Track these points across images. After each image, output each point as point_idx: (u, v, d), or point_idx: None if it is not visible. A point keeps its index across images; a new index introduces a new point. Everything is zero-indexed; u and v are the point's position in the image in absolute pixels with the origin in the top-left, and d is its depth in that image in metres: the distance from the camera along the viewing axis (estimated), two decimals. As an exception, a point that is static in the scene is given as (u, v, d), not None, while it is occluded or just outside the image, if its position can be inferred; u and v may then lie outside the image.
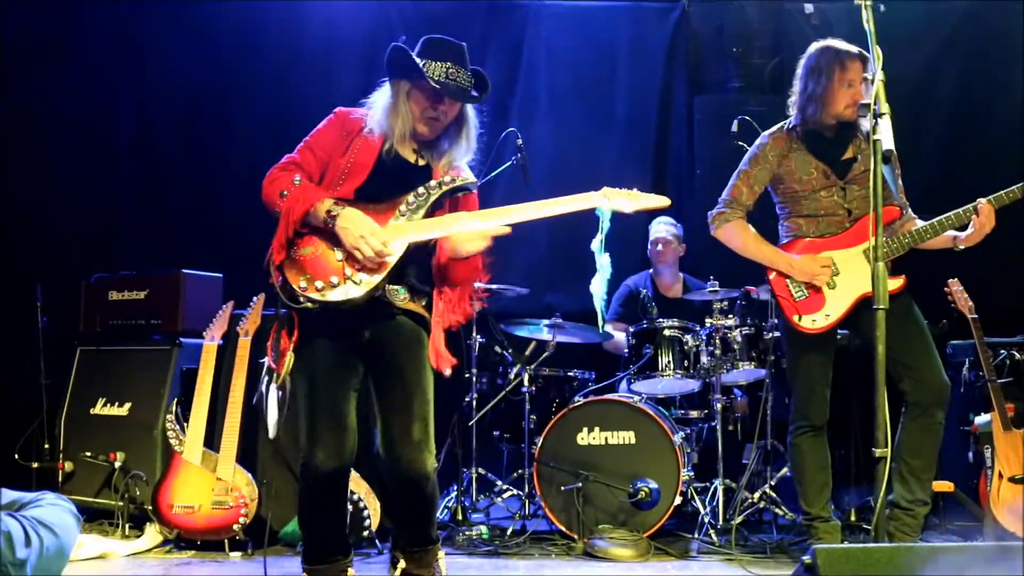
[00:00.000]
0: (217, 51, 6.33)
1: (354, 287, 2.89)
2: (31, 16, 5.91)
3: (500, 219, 3.02)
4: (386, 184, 3.05)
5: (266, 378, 3.04)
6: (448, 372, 3.14)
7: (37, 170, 6.02)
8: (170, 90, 6.39)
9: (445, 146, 3.13)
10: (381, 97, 3.12)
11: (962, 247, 3.79)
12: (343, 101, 3.26)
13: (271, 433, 3.01)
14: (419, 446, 3.08)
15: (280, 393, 3.00)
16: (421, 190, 3.04)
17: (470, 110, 3.15)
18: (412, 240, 2.98)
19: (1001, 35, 6.05)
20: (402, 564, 3.20)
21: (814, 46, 3.90)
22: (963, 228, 3.76)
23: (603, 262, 3.04)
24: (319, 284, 2.89)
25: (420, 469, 3.09)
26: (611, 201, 3.07)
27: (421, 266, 3.11)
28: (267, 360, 3.04)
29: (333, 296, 2.88)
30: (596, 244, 3.04)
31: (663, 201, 3.16)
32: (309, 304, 2.89)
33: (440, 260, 3.14)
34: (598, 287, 3.05)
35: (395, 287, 3.03)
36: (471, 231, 3.03)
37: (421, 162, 3.15)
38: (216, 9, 6.28)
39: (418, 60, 3.02)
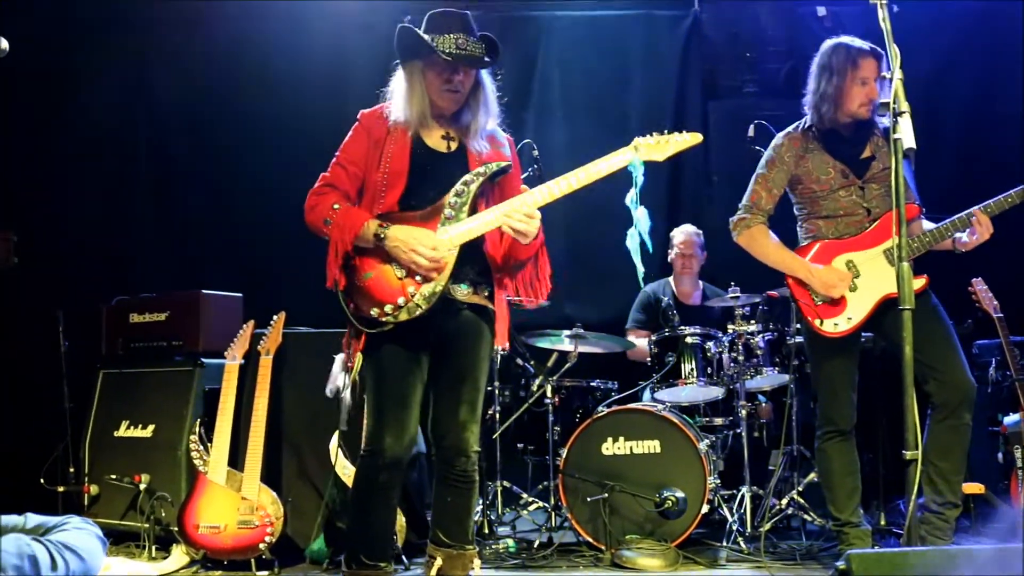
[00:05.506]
0: (232, 72, 6.36)
1: (418, 307, 2.98)
2: (42, 38, 5.93)
3: (540, 199, 3.03)
4: (426, 186, 3.09)
5: (344, 375, 3.21)
6: (507, 346, 3.35)
7: (54, 195, 6.05)
8: (186, 111, 6.43)
9: (468, 118, 3.15)
10: (397, 83, 3.16)
11: (962, 251, 3.77)
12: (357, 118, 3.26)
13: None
14: (463, 425, 3.16)
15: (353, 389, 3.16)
16: (460, 187, 3.06)
17: (485, 76, 3.18)
18: (462, 241, 3.03)
19: (1015, 34, 6.00)
20: (438, 562, 3.18)
21: (827, 44, 3.86)
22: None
23: (639, 215, 3.00)
24: (388, 308, 2.98)
25: (462, 446, 3.16)
26: (642, 153, 3.05)
27: (477, 259, 3.15)
28: (342, 356, 3.21)
29: (403, 317, 2.99)
30: (630, 199, 3.01)
31: (695, 138, 3.14)
32: (384, 328, 3.00)
33: (497, 256, 3.17)
34: (632, 242, 3.00)
35: (456, 285, 3.09)
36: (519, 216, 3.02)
37: (453, 146, 3.17)
38: (229, 29, 6.31)
39: (426, 37, 3.04)
